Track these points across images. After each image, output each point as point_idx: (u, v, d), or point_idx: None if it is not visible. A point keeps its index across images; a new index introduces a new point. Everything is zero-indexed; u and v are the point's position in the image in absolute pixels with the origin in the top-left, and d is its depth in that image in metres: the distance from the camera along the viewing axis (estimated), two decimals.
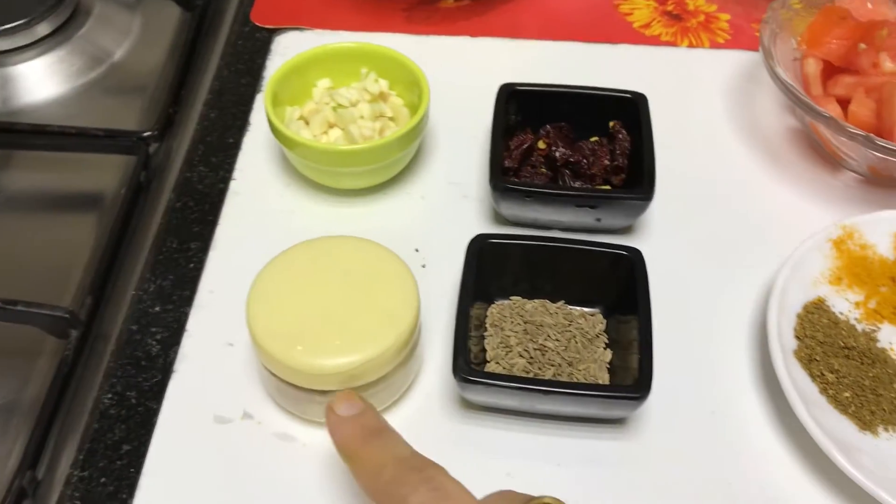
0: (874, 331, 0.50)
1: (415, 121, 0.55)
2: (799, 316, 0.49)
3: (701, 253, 0.55)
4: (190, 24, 0.77)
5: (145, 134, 0.67)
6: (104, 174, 0.66)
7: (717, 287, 0.53)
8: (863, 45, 0.57)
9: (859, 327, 0.50)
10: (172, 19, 0.78)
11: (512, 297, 0.52)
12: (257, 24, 0.71)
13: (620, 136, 0.57)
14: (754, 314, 0.52)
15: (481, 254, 0.50)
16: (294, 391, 0.45)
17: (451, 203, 0.58)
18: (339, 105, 0.57)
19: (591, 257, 0.50)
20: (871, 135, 0.52)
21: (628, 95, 0.58)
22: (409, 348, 0.46)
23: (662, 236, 0.56)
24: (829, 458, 0.43)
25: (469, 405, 0.48)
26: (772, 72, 0.56)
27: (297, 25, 0.71)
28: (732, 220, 0.57)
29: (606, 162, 0.57)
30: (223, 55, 0.70)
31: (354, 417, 0.39)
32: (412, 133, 0.55)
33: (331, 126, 0.57)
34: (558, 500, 0.34)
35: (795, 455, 0.46)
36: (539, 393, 0.44)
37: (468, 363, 0.44)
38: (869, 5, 0.62)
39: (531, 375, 0.47)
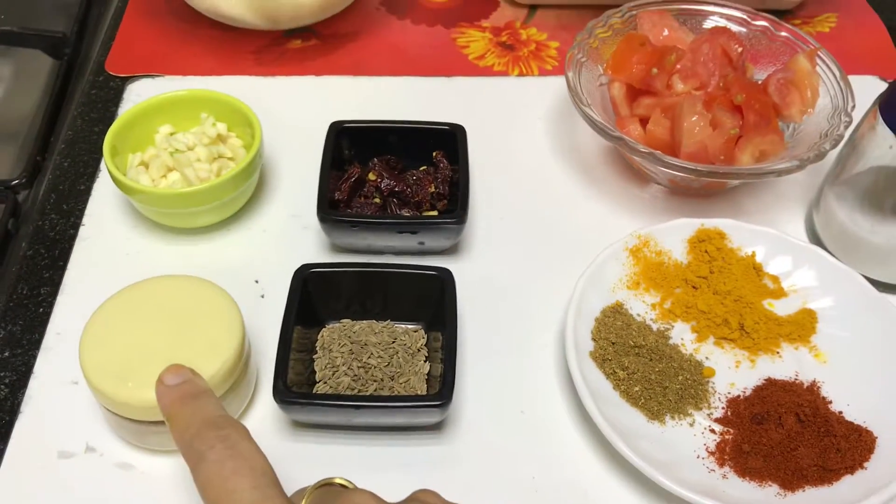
0: (667, 329, 0.56)
1: (246, 160, 0.59)
2: (596, 319, 0.55)
3: (518, 267, 0.61)
4: (58, 72, 0.80)
5: (13, 182, 0.70)
6: None
7: (531, 297, 0.59)
8: (655, 70, 0.63)
9: (654, 326, 0.56)
10: (44, 68, 0.81)
11: (342, 320, 0.56)
12: (111, 72, 0.75)
13: (442, 164, 0.62)
14: (561, 321, 0.57)
15: (307, 282, 0.54)
16: (131, 423, 0.49)
17: (291, 234, 0.62)
18: (177, 150, 0.61)
19: (409, 279, 0.55)
20: (657, 152, 0.58)
21: (447, 128, 0.63)
22: (237, 374, 0.50)
23: (483, 254, 0.61)
24: (614, 446, 0.48)
25: (299, 424, 0.52)
26: (575, 103, 0.62)
27: (150, 73, 0.74)
28: (548, 236, 0.63)
29: (431, 189, 0.61)
30: (77, 104, 0.73)
31: (177, 385, 0.43)
32: (245, 172, 0.59)
33: (169, 170, 0.61)
34: (347, 480, 0.38)
35: (592, 446, 0.51)
36: (351, 408, 0.48)
37: (286, 386, 0.48)
38: (666, 32, 0.68)
39: (355, 392, 0.52)
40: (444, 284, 0.54)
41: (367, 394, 0.52)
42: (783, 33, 0.68)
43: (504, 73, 0.76)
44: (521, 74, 0.76)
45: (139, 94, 0.72)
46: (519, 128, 0.71)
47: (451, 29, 0.80)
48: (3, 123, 0.79)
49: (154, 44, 0.77)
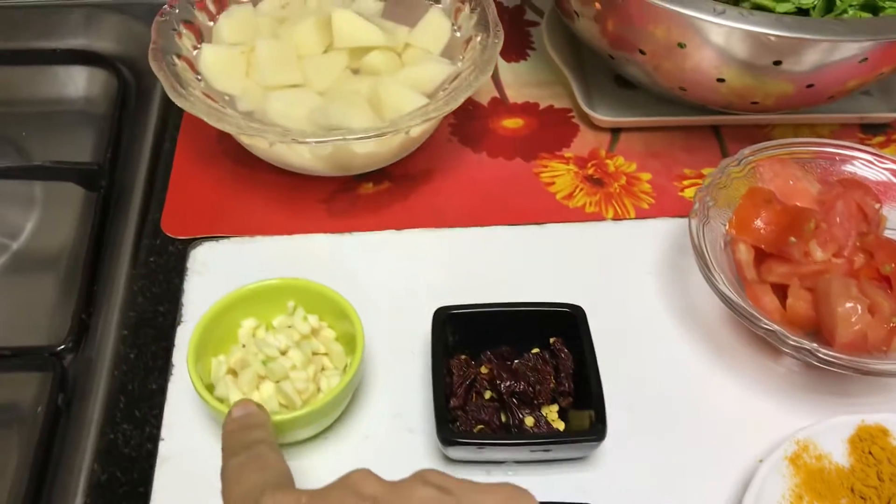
0: None
1: (350, 373, 0.52)
2: None
3: (656, 474, 0.54)
4: (94, 208, 0.73)
5: (59, 348, 0.64)
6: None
7: None
8: (793, 239, 0.57)
9: None
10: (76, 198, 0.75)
11: None
12: (170, 234, 0.67)
13: (563, 355, 0.56)
14: None
15: None
16: None
17: (396, 440, 0.56)
18: (269, 357, 0.54)
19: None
20: (814, 346, 0.52)
21: (567, 310, 0.57)
22: None
23: (618, 460, 0.55)
24: None
25: None
26: (712, 285, 0.56)
27: (212, 234, 0.67)
28: (682, 430, 0.56)
29: (552, 385, 0.55)
30: (134, 277, 0.66)
31: (240, 417, 0.48)
32: (349, 386, 0.52)
33: (262, 379, 0.54)
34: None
35: None
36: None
37: None
38: (791, 182, 0.62)
39: None
40: None
41: None
42: None
43: (598, 216, 0.69)
44: (616, 217, 0.69)
45: (204, 264, 0.65)
46: (628, 288, 0.64)
47: (531, 162, 0.73)
48: (35, 271, 0.73)
49: (211, 194, 0.70)
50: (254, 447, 0.45)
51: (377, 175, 0.71)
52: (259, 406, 0.49)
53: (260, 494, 0.41)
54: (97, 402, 0.60)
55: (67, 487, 0.56)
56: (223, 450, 0.46)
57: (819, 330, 0.56)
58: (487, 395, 0.56)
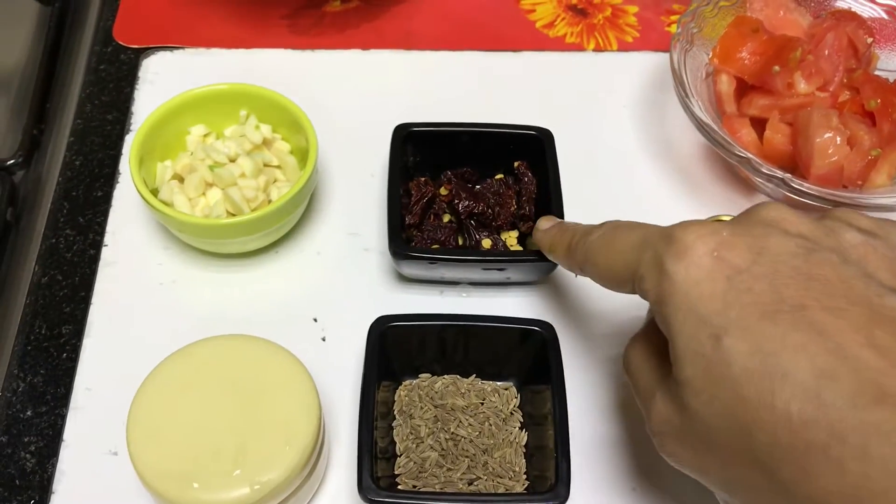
0: None
1: (302, 181, 0.49)
2: None
3: (609, 294, 0.53)
4: (49, 22, 0.69)
5: (9, 162, 0.61)
6: None
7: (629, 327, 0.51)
8: (777, 68, 0.54)
9: None
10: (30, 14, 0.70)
11: (421, 375, 0.48)
12: (122, 43, 0.63)
13: (526, 178, 0.53)
14: None
15: (384, 338, 0.46)
16: None
17: (350, 258, 0.54)
18: (217, 163, 0.51)
19: (501, 333, 0.47)
20: (787, 176, 0.50)
21: (534, 133, 0.54)
22: (315, 458, 0.42)
23: (574, 282, 0.53)
24: None
25: None
26: (687, 110, 0.53)
27: (167, 44, 0.63)
28: None
29: (513, 209, 0.53)
30: (84, 84, 0.62)
31: (548, 228, 0.47)
32: (300, 195, 0.50)
33: (209, 186, 0.51)
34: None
35: None
36: None
37: (374, 482, 0.41)
38: (781, 13, 0.58)
39: (444, 469, 0.45)
40: (546, 344, 0.46)
41: (459, 473, 0.44)
42: None
43: (579, 47, 0.66)
44: (598, 49, 0.66)
45: (156, 73, 0.62)
46: (602, 119, 0.61)
47: None
48: None
49: (170, 5, 0.66)
50: (599, 227, 0.41)
51: None
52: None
53: (664, 231, 0.35)
54: (44, 213, 0.58)
55: (11, 289, 0.54)
56: (555, 249, 0.45)
57: (795, 166, 0.54)
58: (446, 217, 0.53)
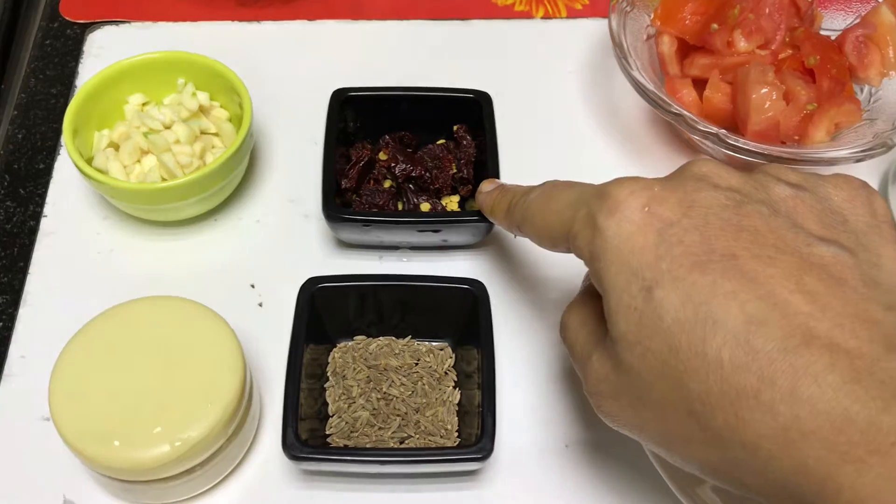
0: None
1: (235, 144, 0.49)
2: None
3: (555, 261, 0.52)
4: (3, 4, 0.69)
5: None
6: None
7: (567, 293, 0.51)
8: (715, 26, 0.53)
9: None
10: None
11: (356, 338, 0.48)
12: (68, 18, 0.63)
13: (465, 142, 0.53)
14: None
15: (314, 299, 0.46)
16: (118, 482, 0.41)
17: (290, 225, 0.54)
18: (151, 130, 0.51)
19: (433, 292, 0.47)
20: (722, 132, 0.49)
21: (471, 96, 0.53)
22: (240, 417, 0.42)
23: (513, 245, 0.53)
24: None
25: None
26: (623, 67, 0.52)
27: (113, 19, 0.63)
28: None
29: (451, 173, 0.53)
30: (31, 59, 0.62)
31: (491, 190, 0.46)
32: (234, 157, 0.50)
33: (144, 153, 0.51)
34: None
35: (653, 484, 0.45)
36: (378, 463, 0.41)
37: (298, 438, 0.41)
38: None
39: (375, 428, 0.45)
40: (476, 301, 0.46)
41: (390, 431, 0.44)
42: None
43: (527, 15, 0.65)
44: (546, 16, 0.65)
45: (101, 47, 0.62)
46: (548, 85, 0.61)
47: None
48: None
49: None
50: (538, 187, 0.40)
51: None
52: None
53: (597, 188, 0.34)
54: None
55: None
56: (495, 210, 0.45)
57: (735, 125, 0.53)
58: (387, 183, 0.53)
